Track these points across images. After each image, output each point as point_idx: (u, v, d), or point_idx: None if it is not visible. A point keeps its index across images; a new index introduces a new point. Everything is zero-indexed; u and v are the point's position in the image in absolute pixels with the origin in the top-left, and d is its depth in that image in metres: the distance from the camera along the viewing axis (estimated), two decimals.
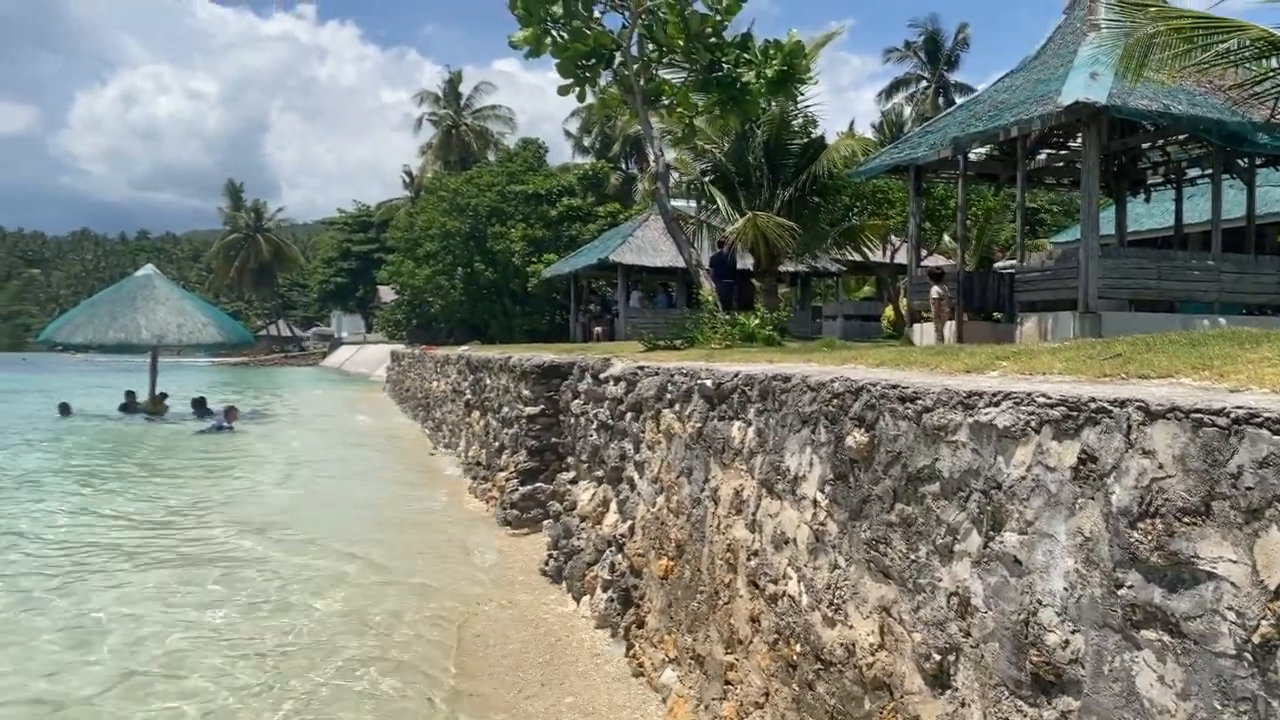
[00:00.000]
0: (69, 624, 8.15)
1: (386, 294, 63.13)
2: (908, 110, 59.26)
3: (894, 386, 3.86)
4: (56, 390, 35.38)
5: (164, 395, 29.05)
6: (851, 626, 4.09)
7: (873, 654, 3.89)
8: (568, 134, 67.02)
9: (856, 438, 4.06)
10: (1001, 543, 3.13)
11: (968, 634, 3.30)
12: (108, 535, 11.90)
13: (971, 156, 17.88)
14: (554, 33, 15.23)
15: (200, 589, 9.32)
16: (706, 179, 22.81)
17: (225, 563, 10.44)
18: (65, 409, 27.86)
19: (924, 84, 61.55)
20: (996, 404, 3.22)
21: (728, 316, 13.89)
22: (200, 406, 27.79)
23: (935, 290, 15.90)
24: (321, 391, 47.53)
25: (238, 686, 6.73)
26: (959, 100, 38.61)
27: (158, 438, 23.63)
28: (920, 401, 3.64)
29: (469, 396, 18.02)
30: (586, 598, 8.63)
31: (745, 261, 22.93)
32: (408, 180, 79.88)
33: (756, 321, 13.36)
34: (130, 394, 29.10)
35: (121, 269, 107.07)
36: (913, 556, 3.66)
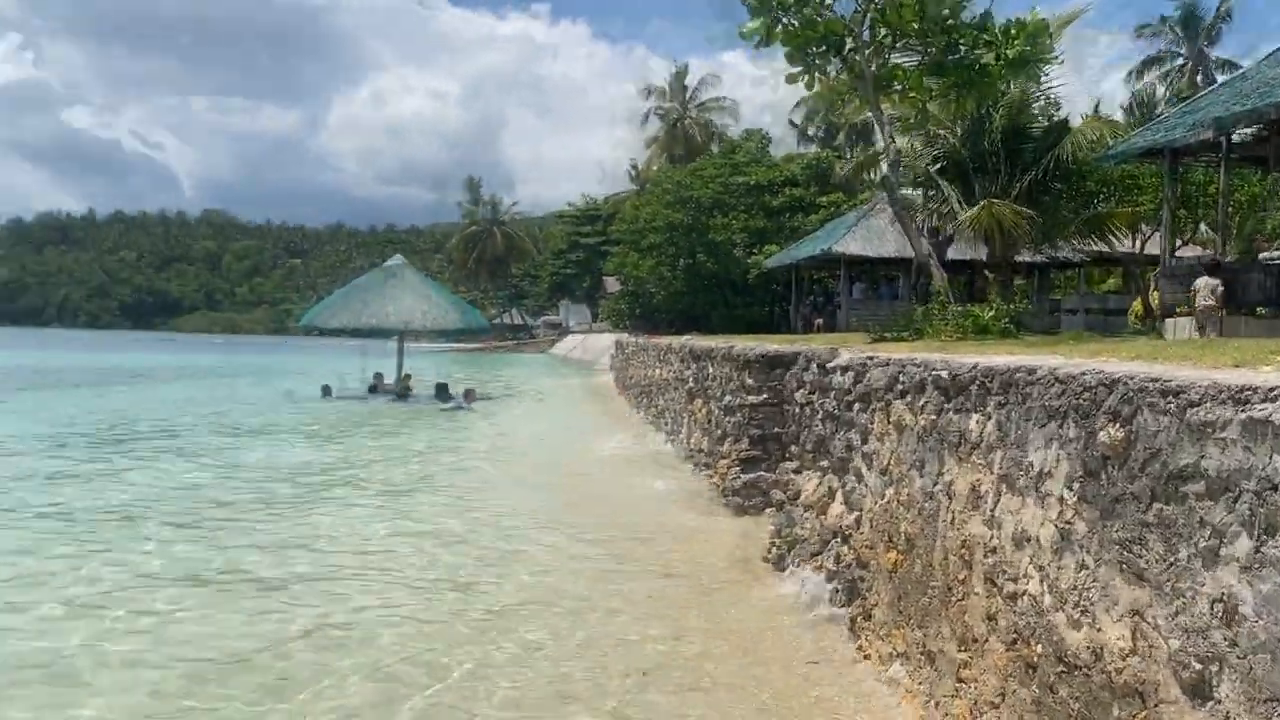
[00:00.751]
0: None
1: (611, 284, 64.85)
2: (1160, 90, 54.72)
3: (1154, 379, 3.67)
4: (318, 373, 38.75)
5: (409, 376, 31.37)
6: (1100, 629, 3.92)
7: (1123, 659, 3.72)
8: (792, 124, 66.52)
9: (1110, 433, 3.88)
10: (1276, 548, 2.93)
11: (1234, 644, 3.11)
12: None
13: (1235, 138, 16.45)
14: (785, 21, 15.19)
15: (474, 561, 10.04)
16: (937, 165, 22.04)
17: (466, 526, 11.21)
18: (327, 390, 30.75)
19: (1180, 61, 56.70)
20: (1274, 399, 3.01)
21: (960, 308, 13.45)
22: (442, 391, 29.69)
23: (1201, 281, 14.38)
24: (549, 377, 49.59)
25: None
26: (1220, 78, 35.52)
27: (406, 414, 25.99)
28: (1185, 396, 3.45)
29: (691, 385, 18.28)
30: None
31: (977, 252, 22.05)
32: (633, 174, 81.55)
33: (991, 314, 12.88)
34: (378, 375, 31.60)
35: (371, 259, 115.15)
36: (1171, 559, 3.48)
